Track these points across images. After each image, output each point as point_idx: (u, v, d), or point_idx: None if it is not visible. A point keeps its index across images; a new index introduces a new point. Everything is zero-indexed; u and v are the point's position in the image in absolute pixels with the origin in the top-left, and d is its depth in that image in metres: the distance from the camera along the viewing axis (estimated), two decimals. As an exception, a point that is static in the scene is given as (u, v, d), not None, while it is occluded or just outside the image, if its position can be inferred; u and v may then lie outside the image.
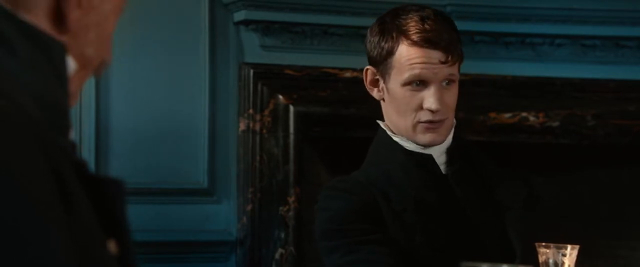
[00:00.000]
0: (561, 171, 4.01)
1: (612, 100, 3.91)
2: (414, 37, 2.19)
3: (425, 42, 2.19)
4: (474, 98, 3.75)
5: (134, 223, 0.89)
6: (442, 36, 2.20)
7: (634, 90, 3.92)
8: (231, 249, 3.65)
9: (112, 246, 0.85)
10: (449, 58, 2.20)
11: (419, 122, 2.22)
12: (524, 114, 3.86)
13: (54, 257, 0.76)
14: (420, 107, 2.21)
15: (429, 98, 2.20)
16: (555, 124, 3.88)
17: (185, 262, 3.62)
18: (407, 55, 2.20)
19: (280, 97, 3.66)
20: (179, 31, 3.57)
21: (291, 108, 3.67)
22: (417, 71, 2.19)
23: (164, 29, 3.55)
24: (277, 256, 3.64)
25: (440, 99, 2.21)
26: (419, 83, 2.21)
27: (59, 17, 0.90)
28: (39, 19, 0.88)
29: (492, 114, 3.84)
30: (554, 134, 3.89)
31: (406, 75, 2.20)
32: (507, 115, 3.85)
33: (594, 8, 3.82)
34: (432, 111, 2.20)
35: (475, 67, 3.68)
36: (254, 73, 3.64)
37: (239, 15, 3.62)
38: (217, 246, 3.65)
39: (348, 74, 3.63)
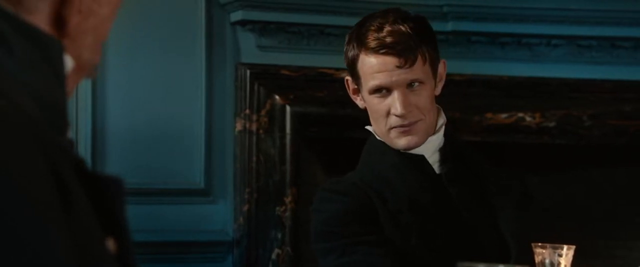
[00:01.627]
0: (557, 171, 4.01)
1: (608, 100, 3.91)
2: (370, 45, 2.22)
3: (380, 48, 2.21)
4: (470, 98, 3.76)
5: (130, 224, 0.89)
6: (397, 41, 2.20)
7: (630, 90, 3.93)
8: (228, 250, 3.65)
9: (111, 245, 0.85)
10: (404, 62, 2.20)
11: (391, 127, 2.24)
12: (521, 115, 3.86)
13: (53, 257, 0.76)
14: (388, 113, 2.23)
15: (394, 103, 2.22)
16: (552, 124, 3.89)
17: (182, 263, 3.62)
18: (367, 64, 2.23)
19: (277, 97, 3.67)
20: (176, 31, 3.57)
21: (288, 108, 3.67)
22: (376, 80, 2.22)
23: (161, 29, 3.55)
24: (273, 256, 3.64)
25: (405, 103, 2.21)
26: (382, 90, 2.23)
27: (59, 21, 0.90)
28: (40, 22, 0.88)
29: (489, 114, 3.84)
30: (551, 134, 3.90)
31: (369, 84, 2.24)
32: (504, 115, 3.85)
33: (590, 8, 3.83)
34: (398, 116, 2.21)
35: (471, 67, 3.69)
36: (251, 73, 3.64)
37: (236, 16, 3.62)
38: (214, 246, 3.65)
39: (344, 75, 3.63)
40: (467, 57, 3.75)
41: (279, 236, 3.64)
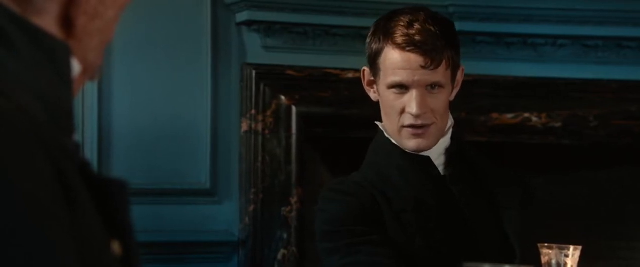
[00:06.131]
0: (563, 171, 4.01)
1: (613, 101, 3.91)
2: (397, 40, 2.19)
3: (407, 45, 2.18)
4: (476, 99, 3.75)
5: (136, 224, 0.89)
6: (425, 41, 2.18)
7: (636, 90, 3.92)
8: (233, 250, 3.65)
9: (116, 247, 0.85)
10: (430, 63, 2.18)
11: (403, 126, 2.23)
12: (527, 115, 3.86)
13: (54, 262, 0.76)
14: (403, 111, 2.22)
15: (411, 102, 2.20)
16: (558, 124, 3.88)
17: (187, 263, 3.62)
18: (390, 58, 2.21)
19: (283, 97, 3.67)
20: (182, 32, 3.57)
21: (293, 109, 3.67)
22: (397, 77, 2.20)
23: (166, 30, 3.55)
24: (279, 256, 3.64)
25: (423, 103, 2.20)
26: (402, 87, 2.21)
27: (67, 22, 0.90)
28: (48, 23, 0.88)
29: (494, 115, 3.84)
30: (556, 134, 3.89)
31: (389, 79, 2.22)
32: (509, 115, 3.85)
33: (595, 8, 3.82)
34: (413, 116, 2.20)
35: (476, 67, 3.68)
36: (256, 74, 3.64)
37: (242, 16, 3.62)
38: (219, 247, 3.66)
39: (350, 75, 3.64)
40: (473, 57, 3.74)
41: (285, 236, 3.64)
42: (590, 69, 3.91)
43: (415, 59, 2.18)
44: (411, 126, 2.22)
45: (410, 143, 2.24)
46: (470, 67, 3.72)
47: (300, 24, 3.66)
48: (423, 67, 2.18)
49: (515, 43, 3.86)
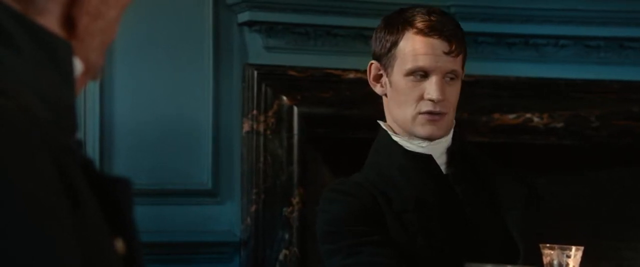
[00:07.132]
0: (565, 171, 4.00)
1: (616, 101, 3.91)
2: (419, 25, 2.21)
3: (430, 30, 2.20)
4: (478, 99, 3.75)
5: (138, 224, 0.89)
6: (446, 26, 2.21)
7: (638, 91, 3.92)
8: (235, 250, 3.65)
9: (119, 245, 0.85)
10: (453, 47, 2.20)
11: (420, 113, 2.23)
12: (528, 115, 3.86)
13: (56, 261, 0.76)
14: (421, 98, 2.22)
15: (431, 88, 2.21)
16: (559, 125, 3.88)
17: (189, 263, 3.62)
18: (411, 44, 2.22)
19: (284, 98, 3.67)
20: (183, 32, 3.57)
21: (295, 109, 3.67)
22: (420, 62, 2.21)
23: (168, 30, 3.55)
24: (281, 257, 3.64)
25: (442, 90, 2.21)
26: (421, 73, 2.22)
27: (69, 22, 0.90)
28: (50, 23, 0.88)
29: (496, 115, 3.84)
30: (558, 135, 3.89)
31: (409, 65, 2.22)
32: (511, 116, 3.85)
33: (597, 9, 3.82)
34: (433, 101, 2.20)
35: (478, 68, 3.68)
36: (258, 74, 3.64)
37: (243, 17, 3.62)
38: (221, 247, 3.66)
39: (351, 75, 3.64)
40: (474, 57, 3.73)
41: (286, 236, 3.64)
42: (591, 70, 3.90)
43: (438, 44, 2.21)
44: (428, 113, 2.22)
45: (423, 129, 2.23)
46: (472, 67, 3.70)
47: (302, 25, 3.66)
48: (446, 53, 2.20)
49: (516, 43, 3.86)
